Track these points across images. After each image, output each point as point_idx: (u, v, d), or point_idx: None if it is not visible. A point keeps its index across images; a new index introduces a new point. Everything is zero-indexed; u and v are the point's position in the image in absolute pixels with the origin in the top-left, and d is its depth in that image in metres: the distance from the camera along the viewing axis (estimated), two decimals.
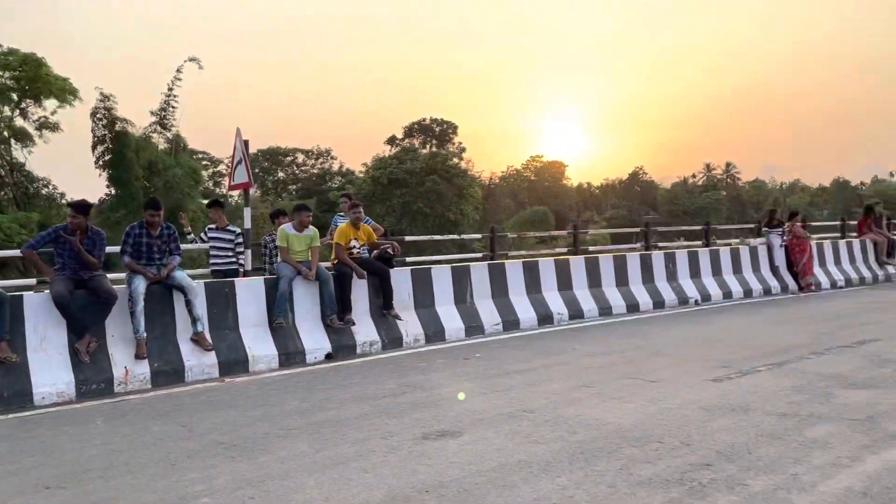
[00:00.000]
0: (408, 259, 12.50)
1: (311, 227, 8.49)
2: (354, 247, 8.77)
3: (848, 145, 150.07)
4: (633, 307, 11.33)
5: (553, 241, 28.36)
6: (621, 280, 11.53)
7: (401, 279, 9.04)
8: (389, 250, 9.00)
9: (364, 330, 8.47)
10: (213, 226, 9.50)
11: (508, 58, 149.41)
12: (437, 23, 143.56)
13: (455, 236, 17.17)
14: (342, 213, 9.80)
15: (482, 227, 49.72)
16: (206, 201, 17.57)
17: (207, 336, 7.33)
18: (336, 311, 8.26)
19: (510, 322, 9.82)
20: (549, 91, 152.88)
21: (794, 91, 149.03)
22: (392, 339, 8.63)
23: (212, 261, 9.40)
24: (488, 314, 9.71)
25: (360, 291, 8.59)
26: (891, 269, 16.21)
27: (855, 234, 16.95)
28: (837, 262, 15.27)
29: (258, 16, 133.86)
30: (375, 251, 9.04)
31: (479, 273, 9.92)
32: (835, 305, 11.59)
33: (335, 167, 71.36)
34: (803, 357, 7.19)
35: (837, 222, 20.19)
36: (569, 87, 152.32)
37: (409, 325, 8.89)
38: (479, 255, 14.00)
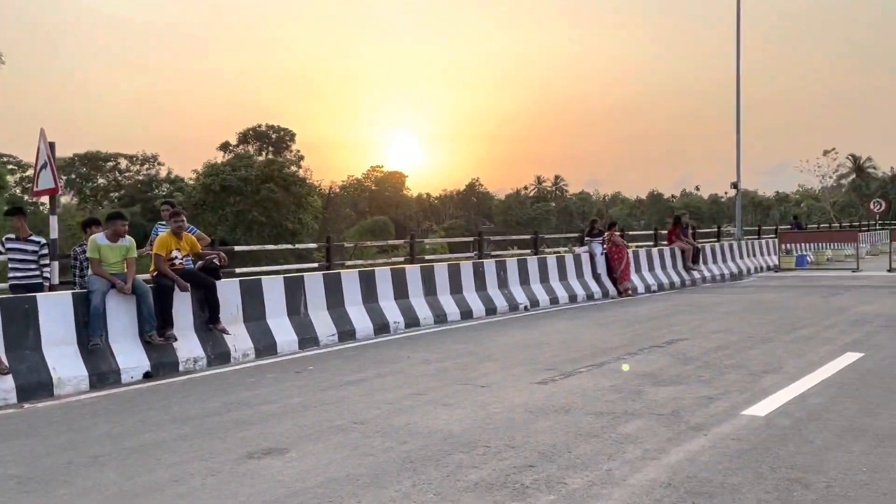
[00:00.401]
0: (238, 270, 12.00)
1: (126, 237, 7.89)
2: (176, 257, 8.25)
3: (662, 162, 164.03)
4: (466, 314, 11.58)
5: (393, 250, 28.50)
6: (455, 288, 11.75)
7: (229, 291, 8.63)
8: (215, 261, 8.56)
9: (187, 346, 7.98)
10: (12, 235, 8.56)
11: (349, 67, 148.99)
12: (273, 28, 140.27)
13: (289, 246, 16.63)
14: (163, 223, 9.20)
15: (322, 236, 49.04)
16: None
17: (3, 358, 6.57)
18: (156, 326, 7.72)
19: (346, 332, 9.69)
20: (390, 102, 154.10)
21: (617, 109, 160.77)
22: (219, 354, 8.20)
23: (11, 275, 8.46)
24: (323, 325, 9.51)
25: (182, 305, 8.10)
26: (696, 274, 17.82)
27: (666, 243, 18.47)
28: (651, 268, 16.55)
29: (71, 8, 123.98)
30: (200, 262, 8.57)
31: (314, 283, 9.70)
32: (648, 308, 12.53)
33: (163, 173, 67.41)
34: (619, 358, 7.67)
35: (651, 231, 21.92)
36: (409, 99, 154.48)
37: (238, 339, 8.50)
38: (316, 265, 13.72)
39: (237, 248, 13.58)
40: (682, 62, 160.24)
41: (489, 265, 12.64)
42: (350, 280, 10.20)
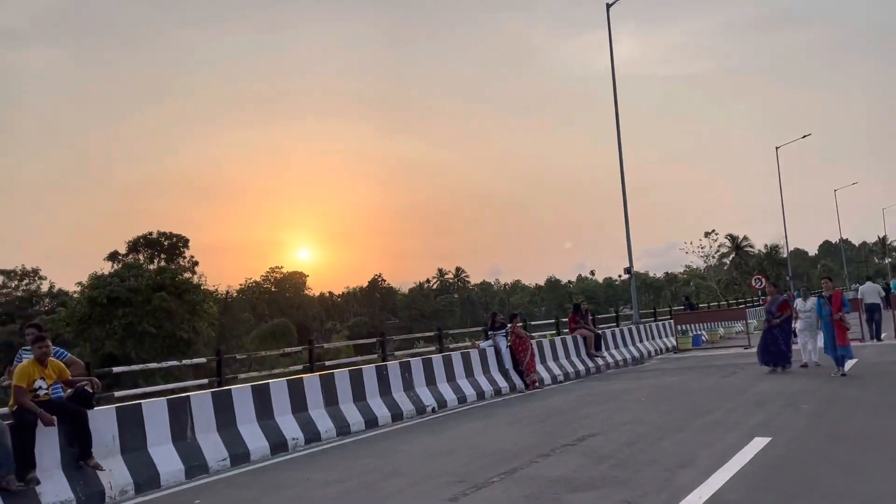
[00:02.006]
0: (117, 394, 11.00)
1: None
2: (41, 388, 7.37)
3: (558, 248, 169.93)
4: (371, 422, 10.97)
5: (294, 354, 27.40)
6: (358, 395, 11.17)
7: (103, 420, 7.76)
8: (87, 388, 7.72)
9: (53, 488, 7.02)
10: None
11: (243, 170, 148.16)
12: (164, 132, 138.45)
13: (175, 362, 15.54)
14: (27, 348, 8.28)
15: (219, 343, 46.85)
16: None
17: None
18: (14, 469, 6.77)
19: (239, 455, 8.89)
20: (287, 203, 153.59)
21: (513, 200, 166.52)
22: (91, 494, 7.26)
23: None
24: (213, 449, 8.69)
25: (47, 441, 7.18)
26: (599, 360, 17.92)
27: (567, 331, 18.58)
28: (556, 357, 16.50)
29: None
30: (70, 390, 7.71)
31: (202, 403, 8.92)
32: (557, 401, 12.31)
33: (44, 288, 63.42)
34: (532, 461, 7.31)
35: (553, 320, 22.10)
36: (307, 198, 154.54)
37: (115, 474, 7.59)
38: (206, 380, 12.80)
39: (116, 369, 12.48)
40: (571, 154, 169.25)
41: (393, 367, 12.16)
42: (242, 396, 9.47)
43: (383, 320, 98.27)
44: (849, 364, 12.82)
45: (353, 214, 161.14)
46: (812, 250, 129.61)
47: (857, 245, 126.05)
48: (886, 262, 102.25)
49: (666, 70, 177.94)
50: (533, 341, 15.76)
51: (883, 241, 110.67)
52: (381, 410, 11.31)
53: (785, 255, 70.14)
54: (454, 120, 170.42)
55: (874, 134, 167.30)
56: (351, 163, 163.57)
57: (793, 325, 14.05)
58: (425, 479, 6.98)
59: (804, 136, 50.83)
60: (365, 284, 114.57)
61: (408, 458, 8.28)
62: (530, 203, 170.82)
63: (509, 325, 15.40)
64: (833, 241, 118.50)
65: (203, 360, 15.25)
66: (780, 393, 10.79)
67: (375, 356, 15.80)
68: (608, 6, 23.85)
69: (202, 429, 8.75)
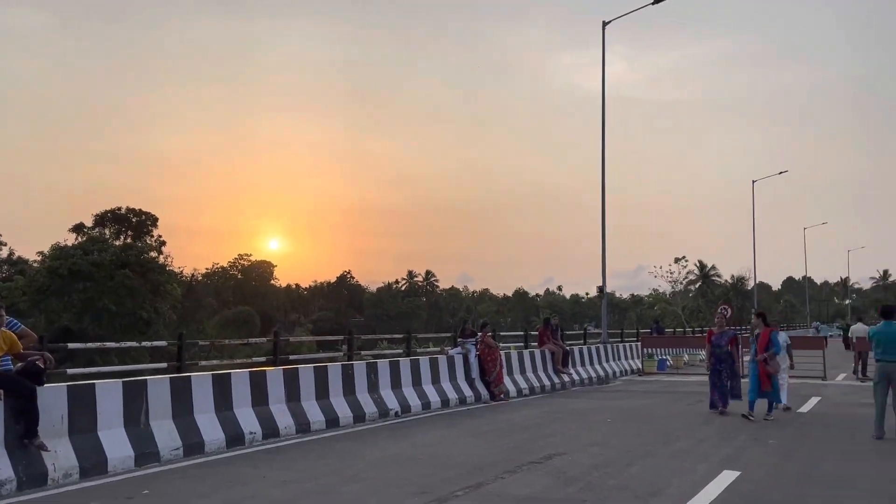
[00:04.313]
0: (70, 371, 10.56)
1: None
2: None
3: (529, 260, 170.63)
4: (333, 422, 10.68)
5: (258, 344, 26.89)
6: (322, 392, 10.87)
7: (52, 398, 7.38)
8: (38, 363, 7.33)
9: None
10: None
11: (220, 153, 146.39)
12: (141, 109, 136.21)
13: (134, 344, 15.09)
14: None
15: (180, 326, 45.99)
16: None
17: None
18: None
19: (193, 445, 8.54)
20: (262, 190, 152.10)
21: (487, 210, 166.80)
22: (32, 475, 6.87)
23: None
24: (167, 437, 8.33)
25: None
26: (566, 377, 17.81)
27: (536, 344, 18.44)
28: (523, 371, 16.34)
29: None
30: (21, 364, 7.32)
31: (159, 388, 8.55)
32: (523, 415, 12.13)
33: (3, 254, 61.75)
34: (498, 477, 7.10)
35: (519, 332, 21.96)
36: (281, 187, 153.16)
37: (60, 456, 7.20)
38: (165, 364, 12.37)
39: (71, 345, 12.01)
40: (548, 169, 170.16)
41: (359, 367, 11.88)
42: (201, 384, 9.11)
43: (348, 317, 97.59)
44: (775, 410, 11.75)
45: (327, 210, 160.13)
46: (776, 285, 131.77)
47: (819, 284, 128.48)
48: (847, 302, 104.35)
49: (651, 94, 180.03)
50: (501, 352, 15.58)
51: (845, 282, 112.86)
52: (343, 410, 11.02)
53: (750, 287, 71.11)
54: (433, 126, 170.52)
55: (848, 176, 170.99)
56: (328, 159, 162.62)
57: (738, 364, 12.65)
58: (386, 487, 6.73)
59: (781, 173, 51.59)
60: (333, 280, 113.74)
61: (368, 462, 8.01)
62: (504, 214, 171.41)
63: (480, 334, 15.20)
64: (797, 278, 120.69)
65: (164, 343, 14.79)
66: (747, 427, 10.71)
67: (340, 354, 15.46)
68: (604, 24, 23.86)
69: (157, 415, 8.39)
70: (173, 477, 7.36)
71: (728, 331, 12.80)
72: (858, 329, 20.47)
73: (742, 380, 12.63)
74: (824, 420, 11.74)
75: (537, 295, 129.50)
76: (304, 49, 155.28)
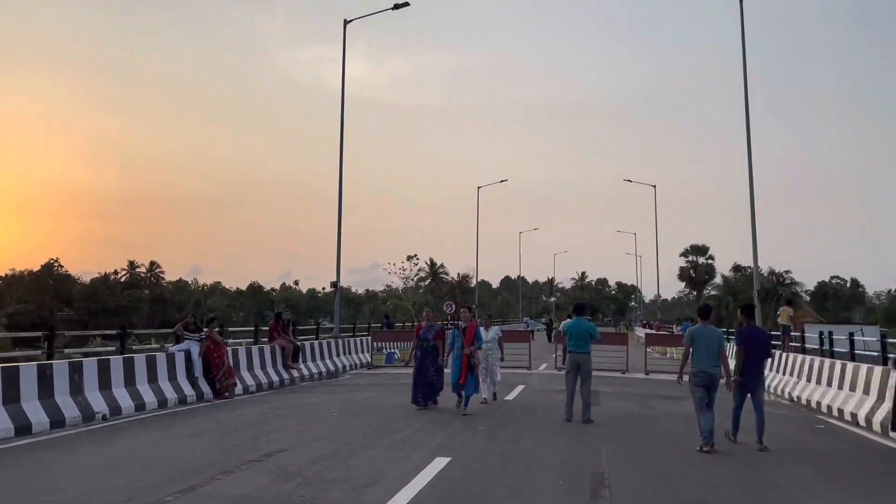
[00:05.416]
0: None
1: None
2: None
3: (264, 254, 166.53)
4: (24, 429, 9.43)
5: None
6: (11, 397, 9.55)
7: None
8: None
9: None
10: None
11: None
12: None
13: None
14: None
15: None
16: None
17: None
18: None
19: None
20: None
21: (221, 199, 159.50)
22: None
23: None
24: None
25: None
26: (295, 372, 17.68)
27: (266, 340, 18.04)
28: (251, 367, 15.89)
29: None
30: None
31: None
32: (248, 413, 11.79)
33: None
34: (213, 478, 6.82)
35: (252, 328, 21.36)
36: None
37: None
38: None
39: None
40: (286, 164, 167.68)
41: (60, 367, 10.62)
42: None
43: (53, 311, 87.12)
44: (472, 401, 11.85)
45: (36, 189, 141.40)
46: (495, 283, 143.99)
47: (531, 282, 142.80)
48: (552, 300, 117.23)
49: (391, 97, 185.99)
50: (229, 348, 15.01)
51: (551, 281, 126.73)
52: (38, 416, 9.79)
53: (473, 285, 76.81)
54: (165, 108, 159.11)
55: (556, 186, 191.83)
56: (42, 131, 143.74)
57: (442, 358, 12.40)
58: (87, 497, 6.14)
59: (502, 181, 56.45)
60: (36, 269, 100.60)
61: (67, 471, 7.22)
62: (240, 206, 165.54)
63: (206, 329, 14.48)
64: (513, 277, 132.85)
65: None
66: (459, 415, 11.49)
67: (39, 353, 13.71)
68: (346, 22, 24.12)
69: None
70: None
71: (436, 325, 12.78)
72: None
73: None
74: (526, 406, 13.06)
75: (273, 289, 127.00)
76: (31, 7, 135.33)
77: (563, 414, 11.14)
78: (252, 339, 19.90)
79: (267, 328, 18.78)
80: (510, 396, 14.37)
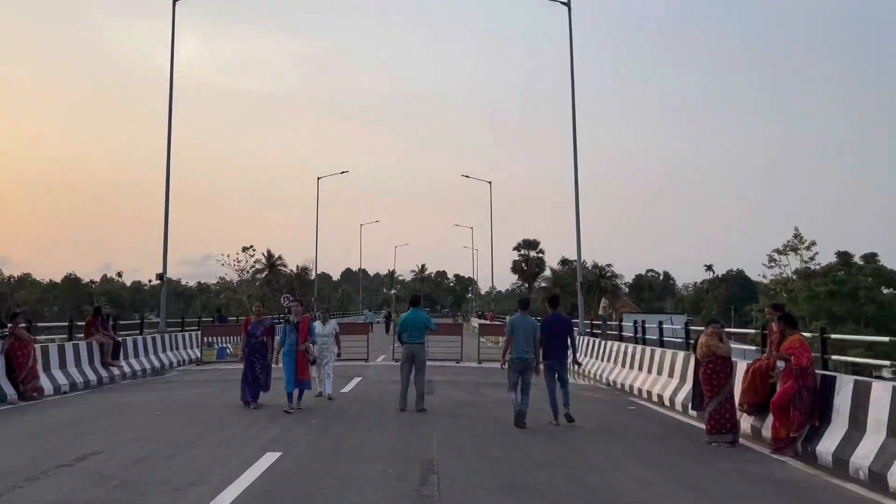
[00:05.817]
0: None
1: None
2: None
3: (81, 244, 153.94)
4: None
5: None
6: None
7: None
8: None
9: None
10: None
11: None
12: None
13: None
14: None
15: None
16: None
17: None
18: None
19: None
20: None
21: (39, 187, 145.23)
22: None
23: None
24: None
25: None
26: (116, 370, 16.55)
27: (83, 336, 16.72)
28: (64, 365, 14.67)
29: None
30: None
31: None
32: (59, 415, 10.89)
33: None
34: (16, 486, 6.26)
35: (66, 323, 19.71)
36: None
37: None
38: None
39: None
40: (108, 148, 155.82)
41: None
42: None
43: None
44: (306, 395, 11.66)
45: None
46: (336, 275, 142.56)
47: (371, 275, 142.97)
48: (392, 292, 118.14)
49: (225, 81, 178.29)
50: (38, 345, 13.76)
51: (391, 274, 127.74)
52: None
53: (313, 277, 75.60)
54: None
55: (397, 179, 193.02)
56: None
57: (271, 356, 11.78)
58: None
59: (343, 172, 55.93)
60: None
61: None
62: (54, 191, 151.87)
63: (9, 326, 13.16)
64: (353, 270, 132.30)
65: None
66: (292, 409, 11.26)
67: None
68: (174, 1, 22.82)
69: None
70: None
71: (265, 320, 12.07)
72: None
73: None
74: (362, 398, 13.11)
75: (92, 282, 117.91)
76: None
77: (398, 404, 11.31)
78: (66, 336, 18.36)
79: (83, 323, 17.41)
80: (346, 389, 14.35)
